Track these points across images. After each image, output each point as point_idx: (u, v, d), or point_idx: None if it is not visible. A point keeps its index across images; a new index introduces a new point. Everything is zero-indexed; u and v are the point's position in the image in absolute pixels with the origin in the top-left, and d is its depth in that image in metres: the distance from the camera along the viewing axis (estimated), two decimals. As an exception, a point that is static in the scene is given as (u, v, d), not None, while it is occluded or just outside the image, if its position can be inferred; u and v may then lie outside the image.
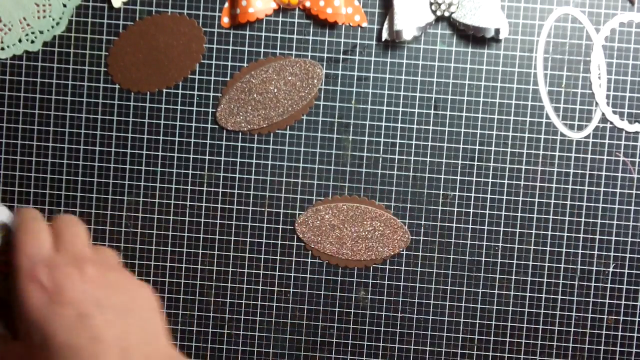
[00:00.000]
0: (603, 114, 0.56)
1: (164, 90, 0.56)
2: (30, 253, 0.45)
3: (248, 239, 0.57)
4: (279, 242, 0.57)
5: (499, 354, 0.57)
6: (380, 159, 0.57)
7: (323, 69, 0.56)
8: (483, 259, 0.57)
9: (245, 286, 0.57)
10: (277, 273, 0.57)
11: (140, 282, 0.48)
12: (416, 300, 0.57)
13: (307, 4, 0.55)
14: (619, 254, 0.57)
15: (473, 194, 0.56)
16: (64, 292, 0.43)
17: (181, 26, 0.56)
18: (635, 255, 0.57)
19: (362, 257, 0.57)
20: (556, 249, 0.57)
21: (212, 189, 0.57)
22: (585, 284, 0.57)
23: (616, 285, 0.57)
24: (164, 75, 0.56)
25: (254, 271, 0.57)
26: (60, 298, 0.43)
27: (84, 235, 0.48)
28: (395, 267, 0.57)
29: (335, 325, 0.57)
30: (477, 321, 0.57)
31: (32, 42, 0.56)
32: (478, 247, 0.57)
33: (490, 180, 0.56)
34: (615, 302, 0.57)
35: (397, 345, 0.57)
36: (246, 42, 0.56)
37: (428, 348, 0.57)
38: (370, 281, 0.57)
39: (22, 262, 0.45)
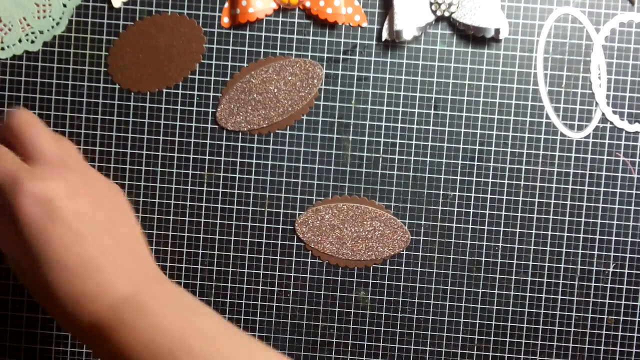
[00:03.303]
0: (603, 114, 0.56)
1: (164, 90, 0.56)
2: (10, 169, 0.45)
3: (248, 239, 0.57)
4: (279, 242, 0.57)
5: (499, 354, 0.57)
6: (380, 159, 0.57)
7: (323, 69, 0.56)
8: (483, 259, 0.57)
9: (245, 286, 0.57)
10: (277, 273, 0.57)
11: (112, 185, 0.49)
12: (416, 300, 0.57)
13: (307, 4, 0.55)
14: (619, 254, 0.57)
15: (473, 194, 0.56)
16: (57, 209, 0.44)
17: (181, 26, 0.56)
18: (635, 255, 0.57)
19: (362, 257, 0.57)
20: (556, 249, 0.57)
21: (212, 189, 0.57)
22: (585, 284, 0.57)
23: (616, 285, 0.57)
24: (164, 75, 0.56)
25: (254, 271, 0.57)
26: (53, 215, 0.43)
27: (45, 133, 0.47)
28: (395, 267, 0.57)
29: (335, 325, 0.57)
30: (477, 321, 0.57)
31: (32, 42, 0.56)
32: (478, 247, 0.57)
33: (490, 180, 0.56)
34: (615, 302, 0.57)
35: (397, 345, 0.57)
36: (246, 42, 0.56)
37: (428, 348, 0.57)
38: (370, 281, 0.57)
39: (4, 179, 0.44)
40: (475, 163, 0.56)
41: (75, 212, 0.44)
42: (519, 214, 0.57)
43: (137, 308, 0.44)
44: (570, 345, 0.57)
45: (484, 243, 0.57)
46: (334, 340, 0.57)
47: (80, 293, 0.43)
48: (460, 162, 0.56)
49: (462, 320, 0.57)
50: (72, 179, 0.45)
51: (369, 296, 0.57)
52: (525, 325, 0.57)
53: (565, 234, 0.56)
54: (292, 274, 0.57)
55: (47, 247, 0.43)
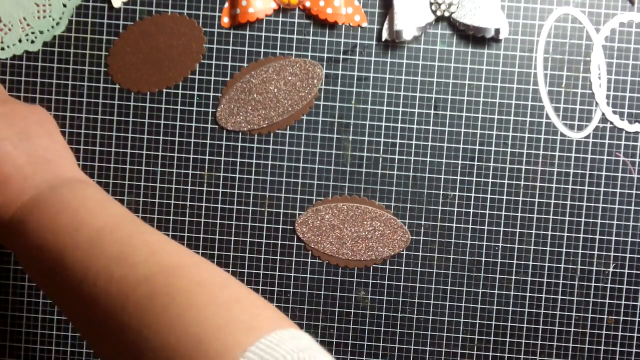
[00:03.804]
0: (603, 114, 0.56)
1: (164, 90, 0.56)
2: None
3: (248, 239, 0.57)
4: (279, 242, 0.57)
5: (499, 354, 0.57)
6: (380, 159, 0.57)
7: (323, 69, 0.56)
8: (483, 259, 0.57)
9: (245, 286, 0.57)
10: (277, 273, 0.57)
11: (33, 106, 0.52)
12: (416, 300, 0.57)
13: (307, 4, 0.55)
14: (619, 254, 0.57)
15: (473, 194, 0.57)
16: None
17: (181, 26, 0.56)
18: (635, 255, 0.57)
19: (362, 257, 0.57)
20: (556, 249, 0.57)
21: (212, 189, 0.57)
22: (585, 284, 0.57)
23: (616, 285, 0.57)
24: (164, 75, 0.56)
25: (254, 271, 0.57)
26: None
27: None
28: (395, 267, 0.57)
29: (335, 325, 0.57)
30: (477, 321, 0.57)
31: (32, 42, 0.56)
32: (478, 247, 0.57)
33: (490, 180, 0.56)
34: (615, 302, 0.57)
35: (397, 345, 0.57)
36: (246, 42, 0.56)
37: (428, 348, 0.57)
38: (370, 281, 0.57)
39: None
40: (475, 163, 0.56)
41: None
42: (519, 214, 0.57)
43: (35, 209, 0.46)
44: (570, 345, 0.57)
45: (484, 243, 0.57)
46: (334, 340, 0.57)
47: None
48: (460, 162, 0.56)
49: (462, 320, 0.57)
50: None
51: (369, 296, 0.57)
52: (525, 325, 0.57)
53: (565, 234, 0.56)
54: (292, 274, 0.57)
55: None
